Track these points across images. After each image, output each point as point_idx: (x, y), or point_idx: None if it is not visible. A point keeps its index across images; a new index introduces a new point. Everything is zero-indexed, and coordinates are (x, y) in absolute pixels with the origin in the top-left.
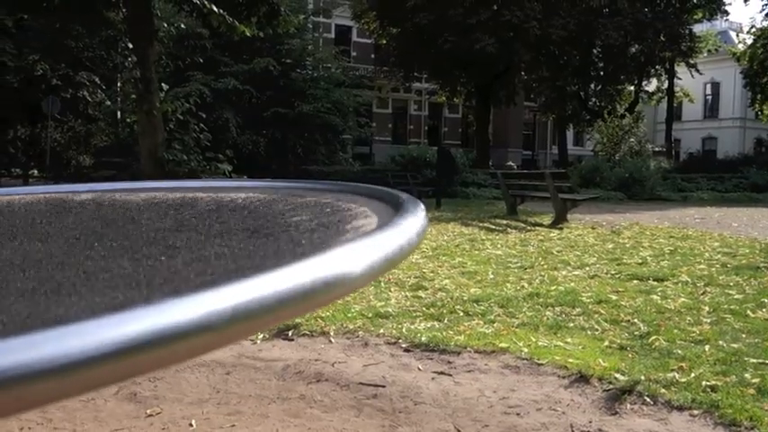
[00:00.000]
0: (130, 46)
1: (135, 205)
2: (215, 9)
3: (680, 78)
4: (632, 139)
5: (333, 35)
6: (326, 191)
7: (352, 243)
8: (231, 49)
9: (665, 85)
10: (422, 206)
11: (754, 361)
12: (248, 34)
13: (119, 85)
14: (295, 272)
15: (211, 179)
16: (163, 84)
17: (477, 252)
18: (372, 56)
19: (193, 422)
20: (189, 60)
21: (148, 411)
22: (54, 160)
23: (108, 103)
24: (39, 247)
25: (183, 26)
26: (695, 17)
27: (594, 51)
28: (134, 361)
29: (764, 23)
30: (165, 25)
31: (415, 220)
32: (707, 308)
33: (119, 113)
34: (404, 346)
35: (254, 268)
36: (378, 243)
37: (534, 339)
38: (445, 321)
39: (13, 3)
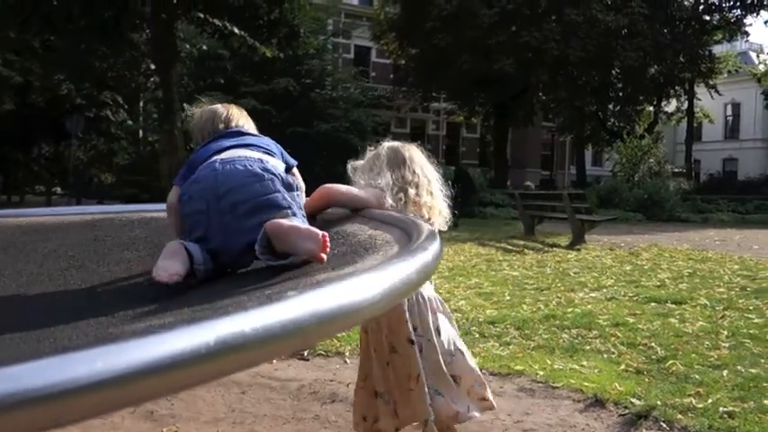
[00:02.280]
0: (153, 67)
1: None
2: (236, 31)
3: (699, 99)
4: (651, 160)
5: (352, 56)
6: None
7: (369, 273)
8: (251, 70)
9: (685, 105)
10: (437, 241)
11: None
12: (269, 55)
13: (141, 104)
14: (313, 300)
15: None
16: (184, 104)
17: (493, 273)
18: (391, 76)
19: None
20: (210, 81)
21: (165, 430)
22: (77, 178)
23: (130, 122)
24: None
25: (204, 47)
26: (715, 38)
27: (613, 72)
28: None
29: None
30: (188, 46)
31: (427, 254)
32: (726, 332)
33: (140, 132)
34: None
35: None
36: (391, 275)
37: (550, 362)
38: None
39: (40, 24)
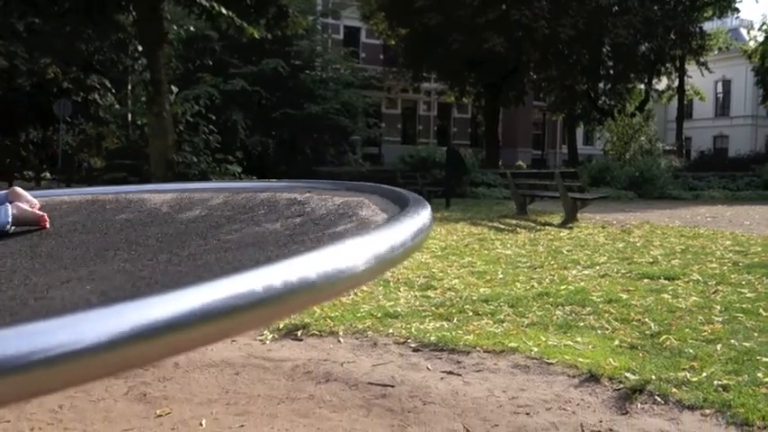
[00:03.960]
0: (140, 49)
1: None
2: (224, 11)
3: (690, 77)
4: (642, 138)
5: (341, 36)
6: (335, 189)
7: (358, 238)
8: (240, 51)
9: (676, 83)
10: (426, 205)
11: (767, 360)
12: (257, 36)
13: (129, 87)
14: (298, 265)
15: (224, 181)
16: (172, 86)
17: (486, 252)
18: (381, 56)
19: (203, 422)
20: (198, 62)
21: (158, 412)
22: (66, 163)
23: (118, 105)
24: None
25: (192, 29)
26: (705, 15)
27: (604, 50)
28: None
29: None
30: (175, 28)
31: (418, 219)
32: (718, 307)
33: (129, 116)
34: (413, 345)
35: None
36: (382, 240)
37: (544, 339)
38: (454, 321)
39: (25, 7)
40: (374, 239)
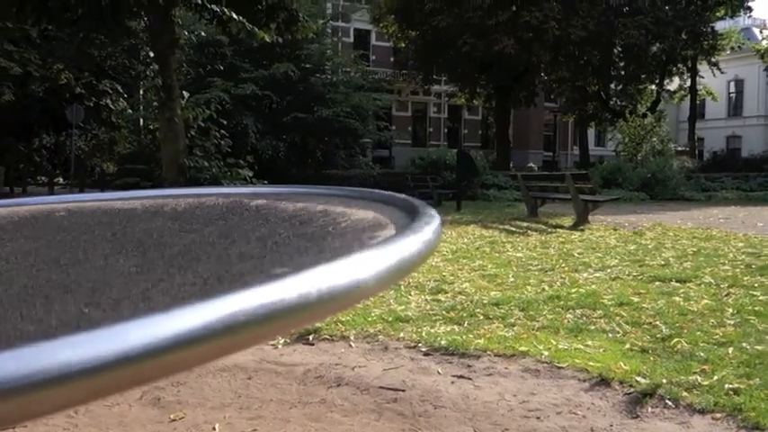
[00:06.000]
0: (152, 54)
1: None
2: (234, 16)
3: (702, 77)
4: (654, 139)
5: (351, 39)
6: (341, 197)
7: (364, 252)
8: (251, 55)
9: (688, 83)
10: (437, 218)
11: None
12: (268, 40)
13: (141, 92)
14: (304, 281)
15: (230, 186)
16: (184, 91)
17: (497, 255)
18: (391, 59)
19: (216, 426)
20: (209, 67)
21: (172, 416)
22: (78, 168)
23: (130, 110)
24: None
25: (203, 34)
26: (717, 14)
27: (615, 51)
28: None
29: None
30: (186, 33)
31: (426, 232)
32: (730, 309)
33: (141, 121)
34: (423, 349)
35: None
36: (390, 253)
37: (555, 342)
38: (465, 325)
39: (38, 13)
40: (382, 253)
